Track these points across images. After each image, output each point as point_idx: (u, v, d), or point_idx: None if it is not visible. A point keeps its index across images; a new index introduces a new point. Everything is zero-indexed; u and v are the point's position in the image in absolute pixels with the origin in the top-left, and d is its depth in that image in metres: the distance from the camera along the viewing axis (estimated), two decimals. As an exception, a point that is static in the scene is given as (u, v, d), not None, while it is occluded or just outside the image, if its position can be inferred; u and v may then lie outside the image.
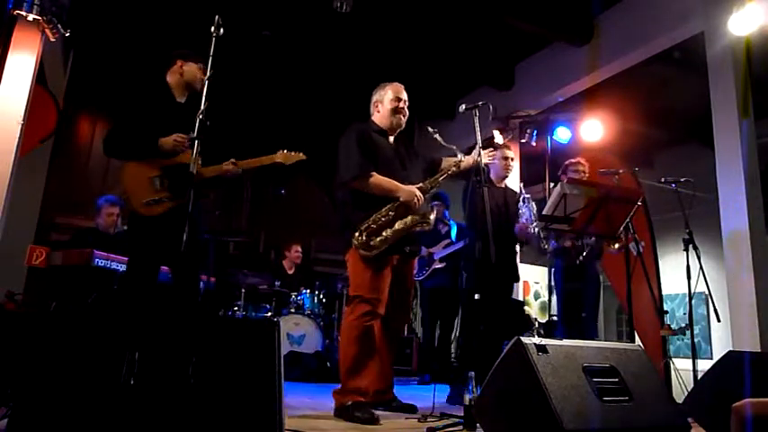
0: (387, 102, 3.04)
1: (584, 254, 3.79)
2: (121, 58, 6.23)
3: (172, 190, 2.78)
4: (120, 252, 3.96)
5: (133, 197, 2.74)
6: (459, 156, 2.98)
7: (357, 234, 2.72)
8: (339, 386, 2.71)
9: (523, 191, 3.83)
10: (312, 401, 3.33)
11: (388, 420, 2.55)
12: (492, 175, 3.89)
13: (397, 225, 2.77)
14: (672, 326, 4.77)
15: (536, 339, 1.96)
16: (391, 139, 3.08)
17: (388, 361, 2.99)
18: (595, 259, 4.04)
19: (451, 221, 5.15)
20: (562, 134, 5.76)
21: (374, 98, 3.10)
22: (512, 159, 3.97)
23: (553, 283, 4.21)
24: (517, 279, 3.96)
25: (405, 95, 3.08)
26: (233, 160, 2.96)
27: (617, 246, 3.60)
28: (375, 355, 2.78)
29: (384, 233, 2.74)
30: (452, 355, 4.98)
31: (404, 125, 3.09)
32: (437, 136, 2.94)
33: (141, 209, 2.73)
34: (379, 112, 3.06)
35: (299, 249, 6.04)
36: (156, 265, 2.84)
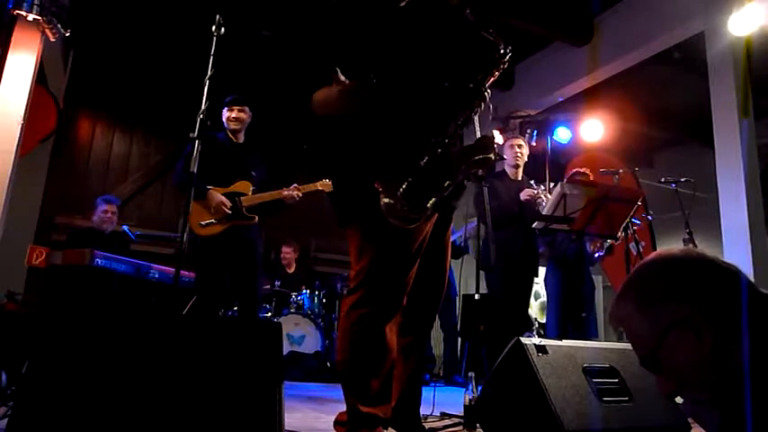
0: None
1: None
2: (121, 58, 6.22)
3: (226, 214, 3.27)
4: (115, 251, 3.98)
5: (192, 220, 3.19)
6: None
7: (387, 195, 1.67)
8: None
9: (534, 184, 3.86)
10: (312, 401, 3.33)
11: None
12: (506, 168, 3.89)
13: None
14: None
15: (536, 340, 1.96)
16: None
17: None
18: (589, 264, 4.09)
19: None
20: (562, 134, 5.75)
21: None
22: (519, 147, 3.93)
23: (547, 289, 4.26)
24: (536, 273, 3.95)
25: None
26: (295, 185, 3.40)
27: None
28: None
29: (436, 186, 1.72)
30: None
31: None
32: None
33: (198, 230, 3.24)
34: None
35: (289, 250, 6.01)
36: (220, 276, 3.29)
